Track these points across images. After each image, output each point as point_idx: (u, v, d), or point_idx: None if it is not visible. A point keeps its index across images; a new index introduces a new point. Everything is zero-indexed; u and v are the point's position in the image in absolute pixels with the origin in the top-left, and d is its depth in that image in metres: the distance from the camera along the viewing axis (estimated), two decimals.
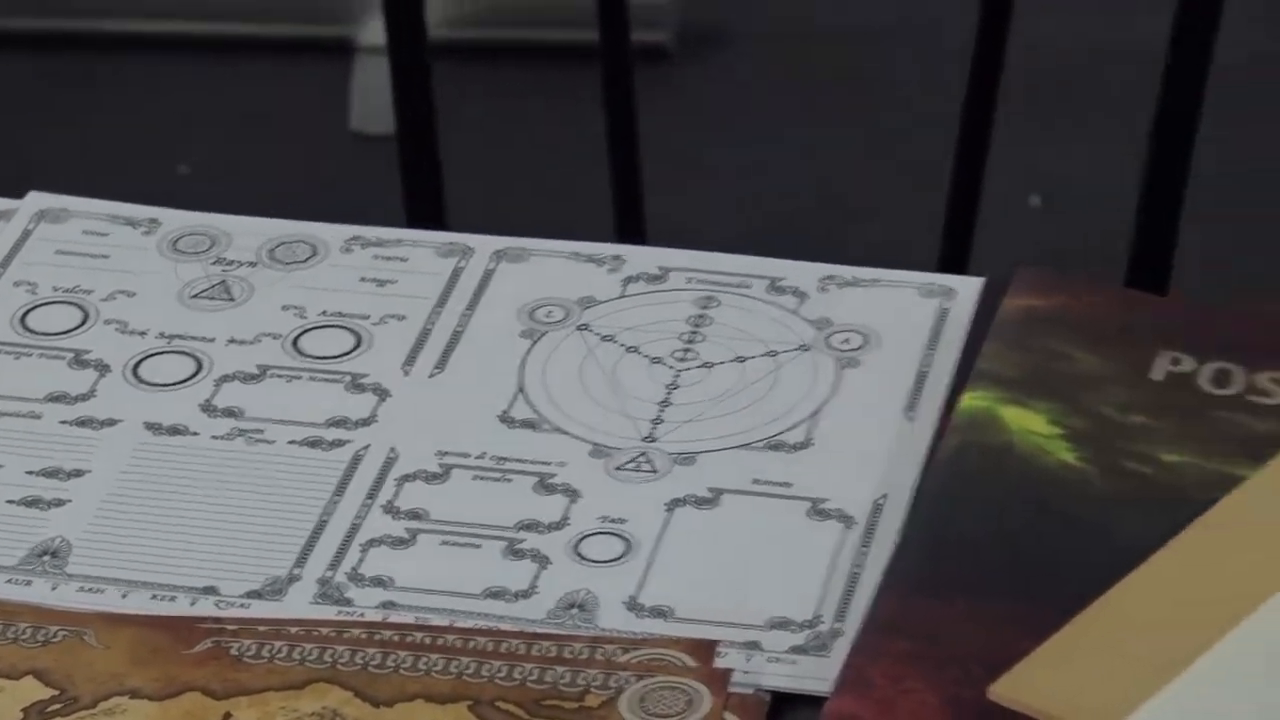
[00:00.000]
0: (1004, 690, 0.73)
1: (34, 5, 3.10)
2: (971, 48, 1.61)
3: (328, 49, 2.89)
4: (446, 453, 0.88)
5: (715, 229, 1.14)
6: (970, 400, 0.92)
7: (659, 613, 0.80)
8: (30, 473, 0.87)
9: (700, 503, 0.86)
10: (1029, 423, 0.91)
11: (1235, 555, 0.82)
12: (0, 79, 3.08)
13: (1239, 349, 0.94)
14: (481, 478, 0.87)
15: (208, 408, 0.90)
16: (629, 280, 1.00)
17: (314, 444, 0.89)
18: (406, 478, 0.87)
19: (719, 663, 0.76)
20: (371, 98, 2.56)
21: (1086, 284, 1.02)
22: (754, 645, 0.78)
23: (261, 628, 0.78)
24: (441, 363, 0.95)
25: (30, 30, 3.11)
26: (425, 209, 1.53)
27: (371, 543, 0.83)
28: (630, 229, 1.56)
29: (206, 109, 3.04)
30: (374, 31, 2.37)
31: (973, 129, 1.54)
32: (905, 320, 0.98)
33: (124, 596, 0.81)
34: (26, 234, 1.03)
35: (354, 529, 0.84)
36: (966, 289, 1.00)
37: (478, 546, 0.83)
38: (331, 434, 0.89)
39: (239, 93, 3.04)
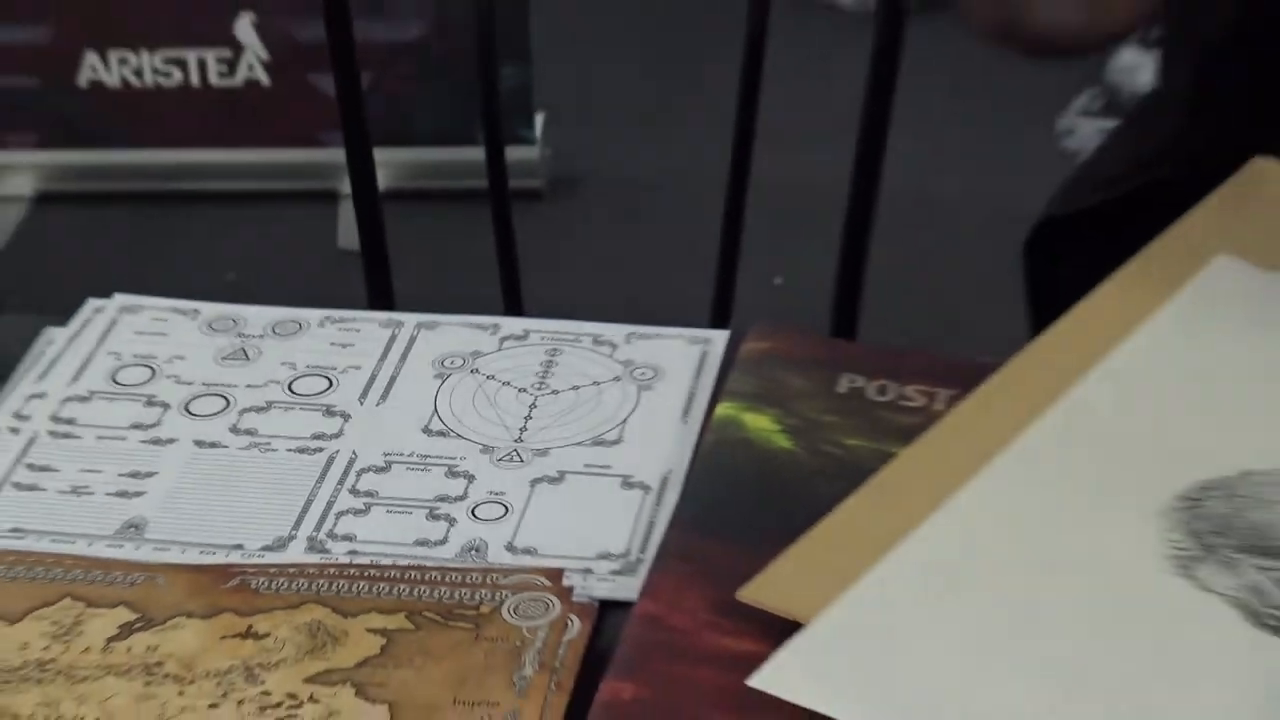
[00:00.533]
0: (748, 594, 0.74)
1: (127, 171, 3.05)
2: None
3: (322, 196, 2.86)
4: (389, 453, 0.89)
5: (568, 308, 1.15)
6: (722, 409, 0.92)
7: (527, 552, 0.81)
8: (120, 474, 0.86)
9: (552, 481, 0.87)
10: (760, 423, 0.91)
11: (903, 497, 0.83)
12: (102, 221, 3.02)
13: (893, 371, 0.95)
14: (412, 469, 0.87)
15: (234, 429, 0.90)
16: (504, 339, 1.00)
17: (303, 450, 0.89)
18: (364, 470, 0.87)
19: (565, 582, 0.77)
20: (349, 227, 2.52)
21: (798, 333, 1.02)
22: (588, 571, 0.79)
23: (271, 569, 0.78)
24: (384, 396, 0.95)
25: (125, 190, 3.05)
26: (379, 297, 1.53)
27: (342, 513, 0.84)
28: (511, 309, 1.57)
29: (245, 236, 3.00)
30: (348, 184, 2.26)
31: (730, 237, 1.55)
32: (681, 359, 0.98)
33: (183, 552, 0.81)
34: (114, 321, 1.02)
35: (330, 504, 0.84)
36: (720, 338, 1.01)
37: (410, 513, 0.84)
38: (314, 444, 0.89)
39: (265, 225, 3.00)
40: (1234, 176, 1.11)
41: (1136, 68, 3.18)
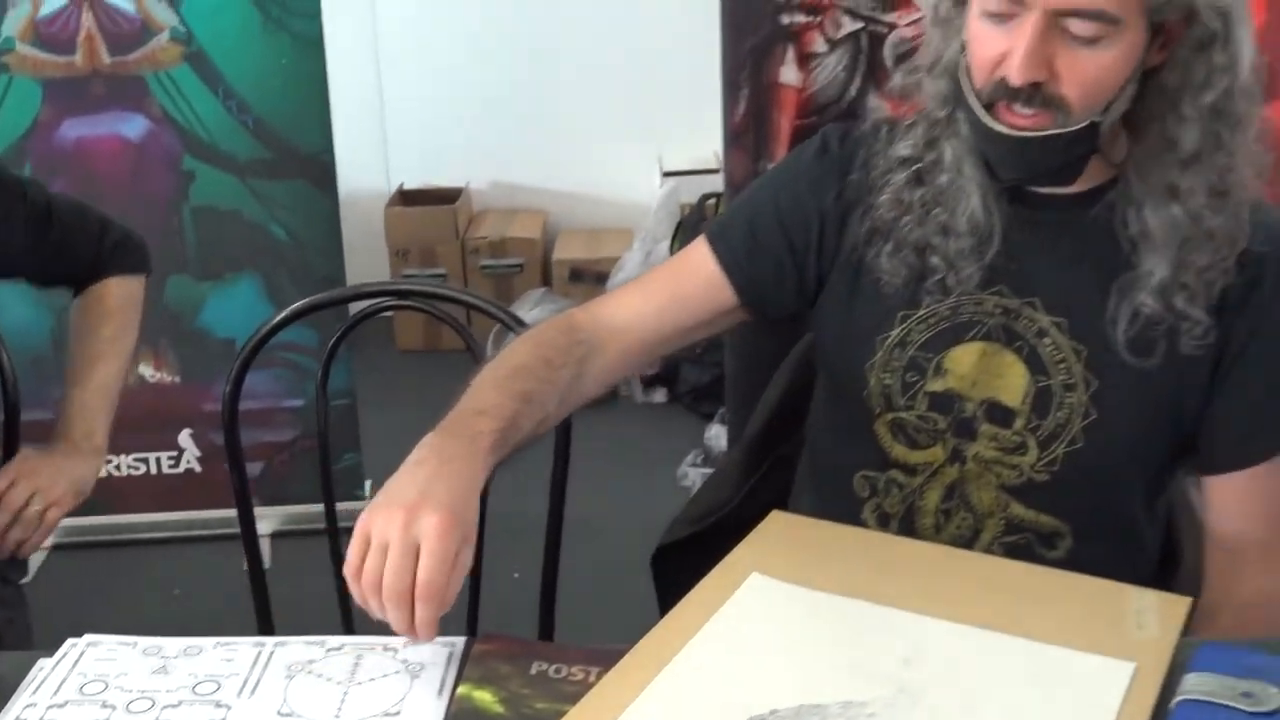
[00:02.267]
0: None
1: (110, 528, 3.15)
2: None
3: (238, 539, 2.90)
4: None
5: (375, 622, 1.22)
6: (461, 689, 1.06)
7: None
8: None
9: None
10: (484, 697, 1.05)
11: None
12: (87, 563, 3.08)
13: (563, 658, 1.09)
14: None
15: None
16: (329, 650, 1.14)
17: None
18: None
19: None
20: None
21: (507, 638, 1.16)
22: None
23: None
24: (253, 691, 1.07)
25: (108, 541, 3.15)
26: (262, 615, 1.64)
27: None
28: (346, 627, 1.59)
29: (189, 566, 3.07)
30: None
31: (476, 567, 1.54)
32: (439, 657, 1.12)
33: None
34: (82, 653, 1.15)
35: None
36: (461, 642, 1.15)
37: None
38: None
39: (202, 559, 3.07)
40: (763, 522, 1.32)
41: (720, 436, 3.35)
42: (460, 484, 1.13)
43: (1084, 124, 1.24)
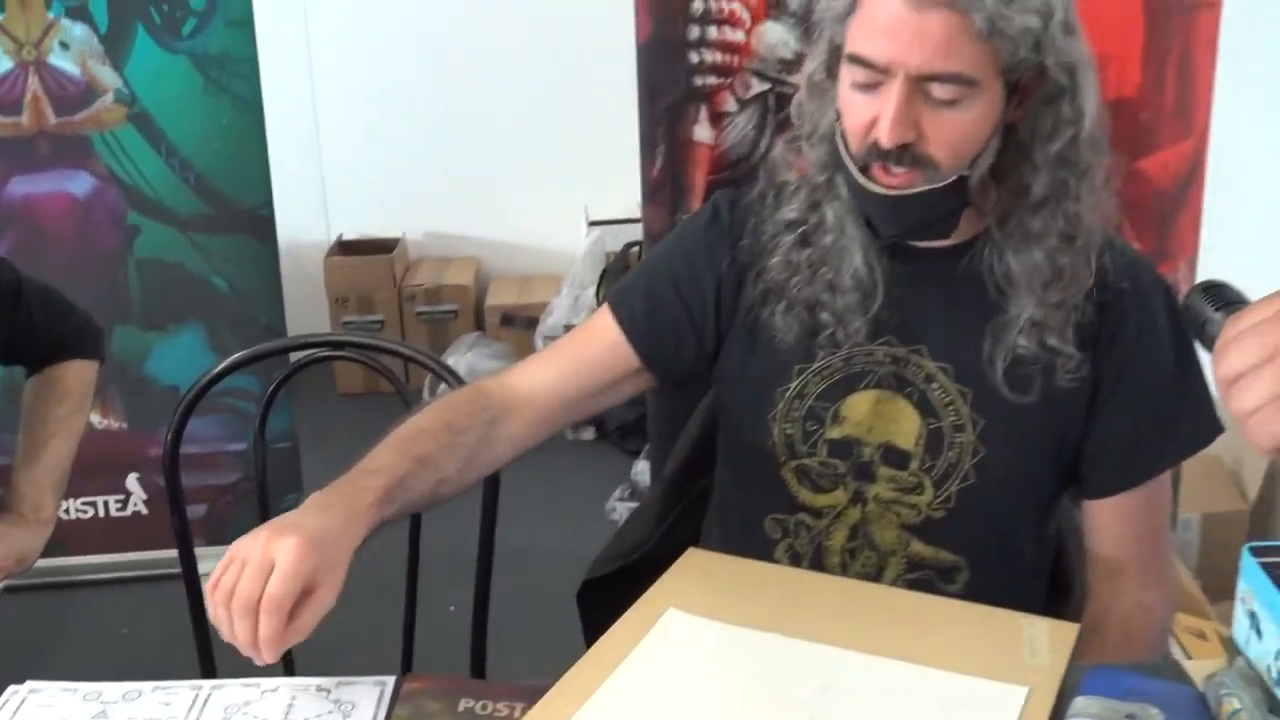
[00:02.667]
0: None
1: (59, 570, 3.09)
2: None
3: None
4: None
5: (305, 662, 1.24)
6: None
7: None
8: None
9: None
10: None
11: None
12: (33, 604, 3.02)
13: (490, 694, 1.10)
14: None
15: None
16: (264, 692, 1.13)
17: None
18: None
19: None
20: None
21: (435, 676, 1.15)
22: None
23: None
24: None
25: (55, 583, 3.10)
26: (203, 656, 1.61)
27: None
28: (287, 668, 1.59)
29: (134, 603, 3.02)
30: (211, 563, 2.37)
31: (410, 596, 1.61)
32: (369, 696, 1.11)
33: None
34: (24, 700, 1.14)
35: None
36: (391, 680, 1.14)
37: None
38: None
39: (146, 598, 3.01)
40: (679, 559, 1.33)
41: (645, 471, 3.31)
42: (330, 524, 1.12)
43: (952, 179, 1.27)
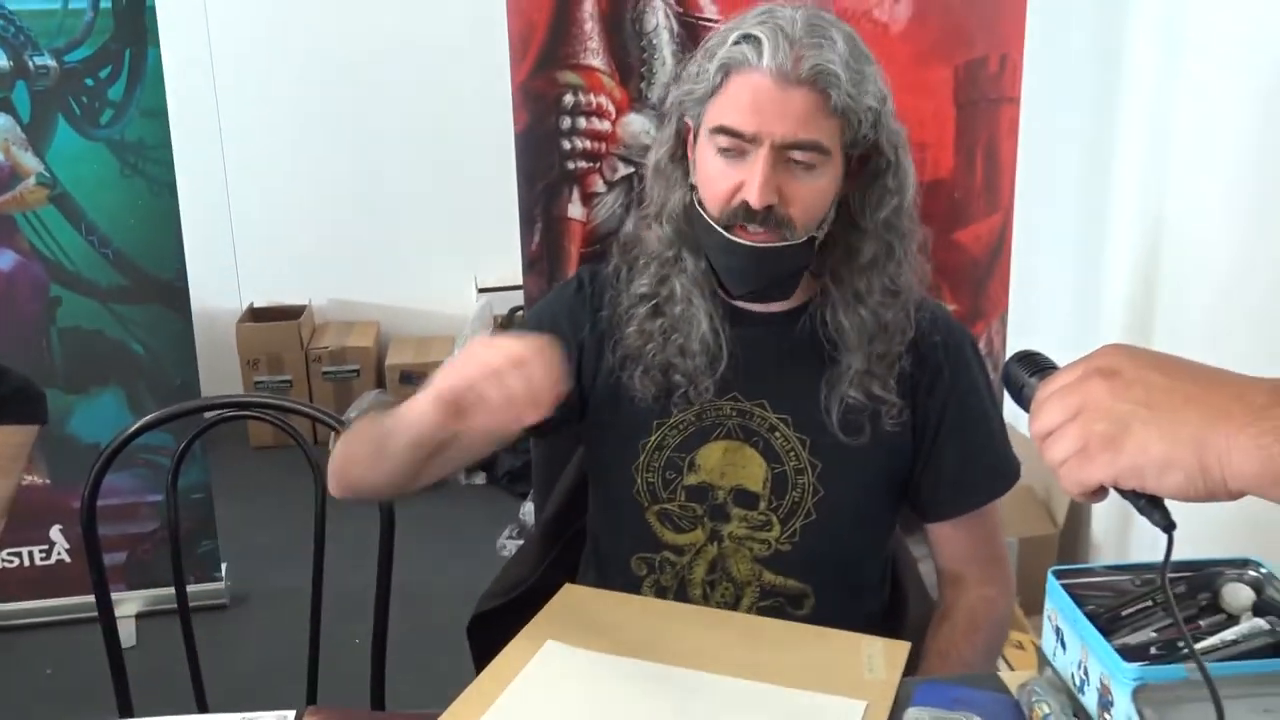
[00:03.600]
0: None
1: None
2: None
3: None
4: None
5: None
6: None
7: None
8: None
9: None
10: None
11: None
12: None
13: None
14: None
15: None
16: None
17: None
18: None
19: None
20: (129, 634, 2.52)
21: (330, 708, 1.14)
22: None
23: None
24: None
25: None
26: (121, 694, 1.56)
27: None
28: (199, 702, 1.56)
29: (56, 648, 2.89)
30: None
31: (315, 629, 1.58)
32: None
33: None
34: None
35: None
36: (292, 713, 1.11)
37: None
38: None
39: (69, 641, 2.89)
40: (557, 594, 1.32)
41: (531, 513, 3.15)
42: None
43: (804, 239, 1.29)
